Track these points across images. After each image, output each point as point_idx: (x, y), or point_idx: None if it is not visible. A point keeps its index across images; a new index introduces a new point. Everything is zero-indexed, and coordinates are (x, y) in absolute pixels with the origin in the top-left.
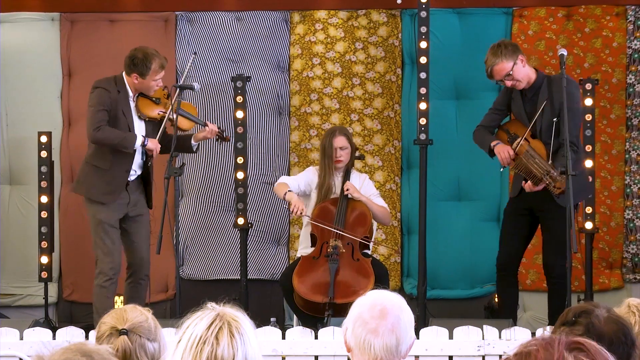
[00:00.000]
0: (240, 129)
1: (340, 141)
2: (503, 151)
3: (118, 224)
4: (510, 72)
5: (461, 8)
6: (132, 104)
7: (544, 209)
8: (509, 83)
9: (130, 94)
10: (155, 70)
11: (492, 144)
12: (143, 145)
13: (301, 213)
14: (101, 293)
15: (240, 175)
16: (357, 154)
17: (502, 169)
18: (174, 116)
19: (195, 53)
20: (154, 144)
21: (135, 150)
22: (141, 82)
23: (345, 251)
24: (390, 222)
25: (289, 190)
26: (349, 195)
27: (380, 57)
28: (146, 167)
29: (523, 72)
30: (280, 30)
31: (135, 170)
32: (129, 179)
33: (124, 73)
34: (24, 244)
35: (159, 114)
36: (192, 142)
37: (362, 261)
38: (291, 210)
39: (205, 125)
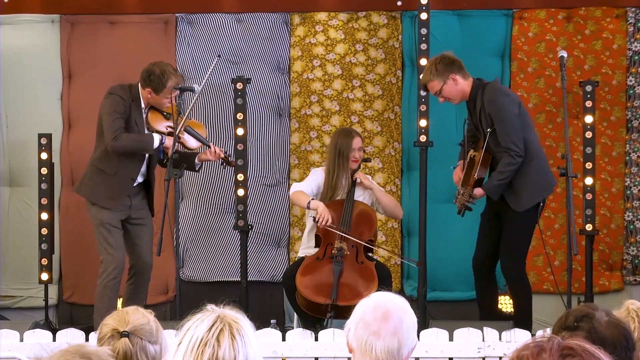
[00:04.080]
0: (240, 131)
1: (358, 142)
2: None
3: (120, 224)
4: (439, 91)
5: (461, 10)
6: (144, 115)
7: (504, 213)
8: (441, 100)
9: (143, 105)
10: (170, 88)
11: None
12: (161, 143)
13: (327, 223)
14: (104, 292)
15: (240, 177)
16: (363, 156)
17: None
18: (177, 124)
19: (219, 55)
20: (170, 140)
21: (155, 150)
22: (154, 97)
23: (349, 253)
24: (402, 214)
25: (312, 199)
26: (358, 180)
27: (380, 59)
28: (149, 174)
29: (455, 90)
30: (280, 32)
31: (138, 179)
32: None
33: (139, 84)
34: (24, 245)
35: (167, 128)
36: (196, 161)
37: (366, 264)
38: (317, 219)
39: (208, 147)
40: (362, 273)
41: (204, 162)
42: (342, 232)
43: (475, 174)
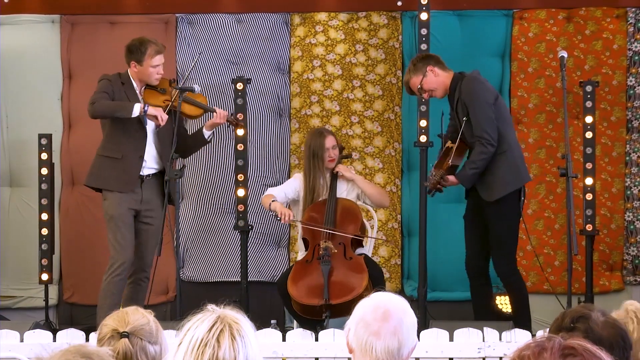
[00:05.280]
0: (240, 131)
1: (331, 140)
2: None
3: (132, 220)
4: (420, 86)
5: (461, 10)
6: (140, 98)
7: (484, 211)
8: (425, 95)
9: (136, 86)
10: (150, 54)
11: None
12: (144, 111)
13: (289, 218)
14: (107, 289)
15: (240, 177)
16: (343, 152)
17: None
18: (176, 116)
19: (200, 54)
20: (157, 111)
21: (141, 121)
22: (140, 69)
23: (337, 251)
24: (389, 203)
25: (273, 201)
26: (339, 173)
27: (380, 59)
28: (163, 161)
29: (435, 82)
30: (280, 32)
31: (147, 161)
32: (142, 172)
33: (127, 69)
34: (24, 246)
35: (164, 102)
36: (205, 131)
37: (354, 259)
38: (279, 218)
39: (213, 111)
40: (351, 268)
41: (212, 132)
42: (327, 229)
43: (450, 160)
